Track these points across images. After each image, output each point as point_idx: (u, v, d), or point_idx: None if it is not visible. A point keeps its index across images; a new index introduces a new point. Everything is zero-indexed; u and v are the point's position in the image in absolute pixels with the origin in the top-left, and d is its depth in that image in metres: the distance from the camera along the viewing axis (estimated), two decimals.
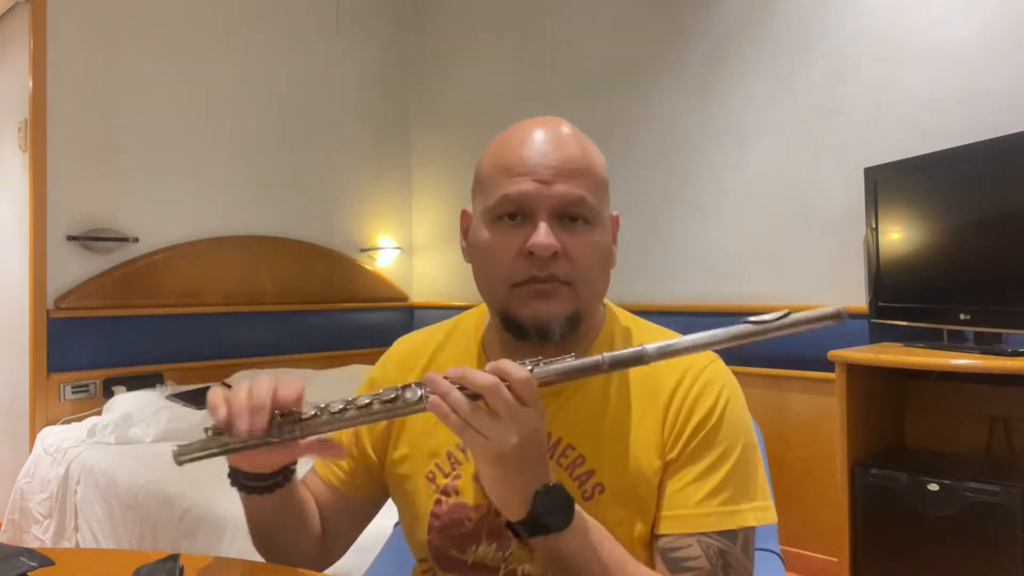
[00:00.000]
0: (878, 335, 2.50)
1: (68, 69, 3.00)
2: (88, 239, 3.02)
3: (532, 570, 0.79)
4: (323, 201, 3.85)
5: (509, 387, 0.66)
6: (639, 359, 0.69)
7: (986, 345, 2.09)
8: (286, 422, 0.71)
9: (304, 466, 0.92)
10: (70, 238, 2.98)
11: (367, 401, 0.71)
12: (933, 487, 1.97)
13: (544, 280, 0.75)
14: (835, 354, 2.20)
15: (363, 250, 4.02)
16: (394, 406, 0.70)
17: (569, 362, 0.69)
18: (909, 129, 2.44)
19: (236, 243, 3.46)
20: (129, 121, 3.16)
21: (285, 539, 0.84)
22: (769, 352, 2.76)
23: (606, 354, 0.69)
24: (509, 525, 0.70)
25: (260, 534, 0.84)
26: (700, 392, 0.79)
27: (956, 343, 2.19)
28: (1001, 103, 2.25)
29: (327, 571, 0.86)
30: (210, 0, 3.43)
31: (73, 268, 2.99)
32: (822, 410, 2.61)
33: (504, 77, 3.77)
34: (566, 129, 0.80)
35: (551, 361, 0.69)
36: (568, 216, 0.77)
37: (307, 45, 3.77)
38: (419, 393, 0.70)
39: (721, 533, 0.75)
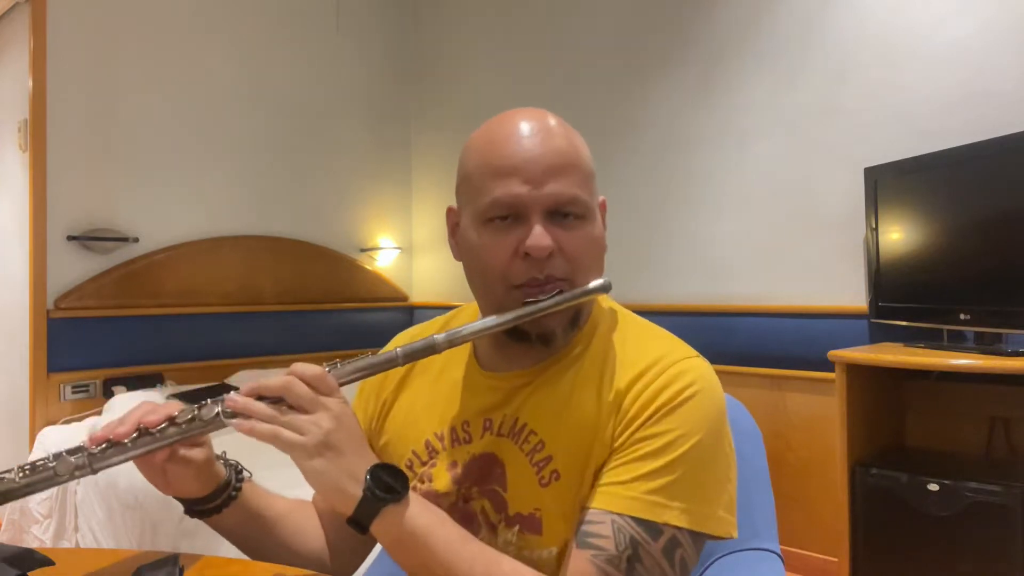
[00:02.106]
0: (878, 335, 2.50)
1: (68, 69, 3.00)
2: (88, 239, 3.02)
3: None
4: (323, 201, 3.85)
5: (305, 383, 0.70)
6: (431, 348, 0.75)
7: (986, 345, 2.09)
8: (78, 459, 0.71)
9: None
10: (70, 238, 2.98)
11: (163, 426, 0.72)
12: (933, 487, 1.97)
13: (544, 282, 0.75)
14: (835, 354, 2.20)
15: (363, 250, 4.02)
16: (191, 427, 0.72)
17: (364, 359, 0.75)
18: (909, 129, 2.44)
19: (236, 243, 3.46)
20: (129, 121, 3.16)
21: (272, 555, 0.84)
22: (769, 352, 2.76)
23: (399, 348, 0.75)
24: (350, 521, 0.68)
25: (247, 553, 0.85)
26: (666, 382, 0.74)
27: (956, 343, 2.19)
28: (1001, 103, 2.25)
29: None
30: (210, 1, 3.43)
31: (73, 268, 2.99)
32: (822, 410, 2.61)
33: (504, 77, 3.77)
34: (552, 121, 0.79)
35: (348, 361, 0.74)
36: (561, 213, 0.76)
37: (307, 45, 3.77)
38: (215, 410, 0.72)
39: (640, 522, 0.69)
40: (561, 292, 0.75)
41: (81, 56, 3.04)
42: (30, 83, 2.92)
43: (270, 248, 3.58)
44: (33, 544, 2.19)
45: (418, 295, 4.24)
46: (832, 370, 2.23)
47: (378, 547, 1.19)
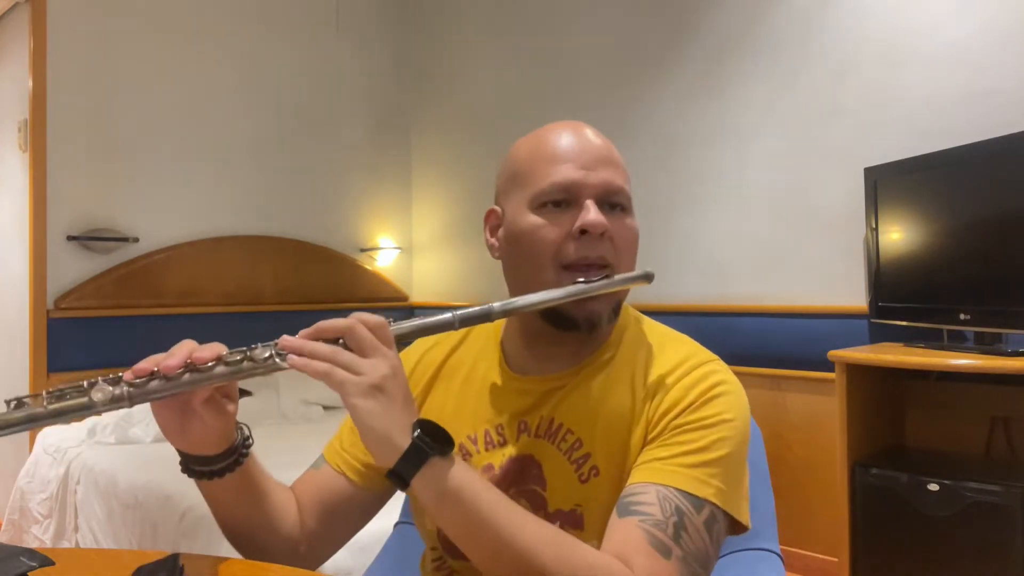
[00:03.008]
0: (878, 335, 2.50)
1: (68, 69, 3.00)
2: (88, 239, 3.02)
3: None
4: (323, 201, 3.85)
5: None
6: (487, 316, 0.74)
7: (986, 345, 2.09)
8: (117, 390, 0.67)
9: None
10: (70, 238, 2.98)
11: (211, 364, 0.69)
12: (933, 487, 1.97)
13: (595, 262, 0.78)
14: (835, 354, 2.20)
15: (363, 250, 4.02)
16: (240, 367, 0.69)
17: (420, 320, 0.74)
18: (909, 129, 2.44)
19: (236, 243, 3.46)
20: (129, 121, 3.16)
21: (250, 530, 0.82)
22: (769, 352, 2.76)
23: (455, 312, 0.74)
24: (390, 473, 0.67)
25: (224, 525, 0.82)
26: (700, 377, 0.78)
27: (956, 343, 2.19)
28: (1001, 103, 2.25)
29: (328, 572, 0.86)
30: (210, 0, 3.43)
31: (73, 268, 2.99)
32: (822, 410, 2.61)
33: (504, 77, 3.77)
34: (591, 129, 0.85)
35: (405, 320, 0.74)
36: (608, 203, 0.81)
37: (307, 45, 3.77)
38: (268, 352, 0.69)
39: (684, 494, 0.71)
40: (608, 277, 0.78)
41: (81, 56, 3.04)
42: (30, 83, 2.93)
43: (270, 248, 3.58)
44: (33, 544, 2.19)
45: (418, 295, 4.24)
46: (832, 370, 2.23)
47: (380, 545, 1.20)
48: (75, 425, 2.85)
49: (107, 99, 3.11)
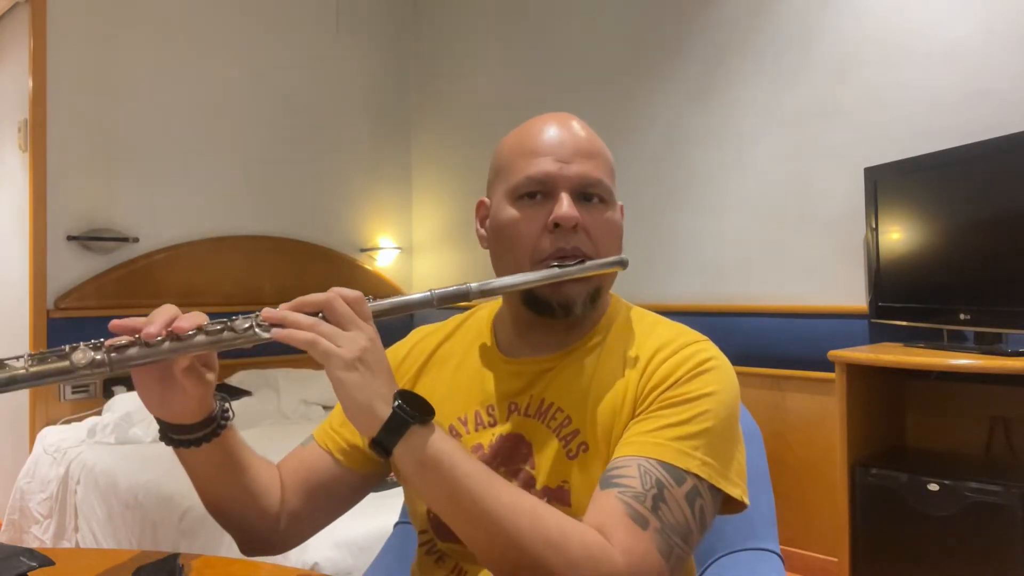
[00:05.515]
0: (878, 335, 2.50)
1: (68, 69, 3.00)
2: (88, 239, 3.02)
3: None
4: (323, 201, 3.85)
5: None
6: (465, 295, 0.77)
7: (986, 345, 2.09)
8: (99, 354, 0.67)
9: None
10: (70, 238, 2.98)
11: (191, 332, 0.69)
12: (933, 487, 1.97)
13: (570, 253, 0.80)
14: (835, 354, 2.20)
15: (363, 250, 4.02)
16: (221, 336, 0.70)
17: (399, 298, 0.76)
18: (909, 129, 2.44)
19: (236, 243, 3.46)
20: (129, 121, 3.16)
21: (230, 502, 0.83)
22: (769, 352, 2.76)
23: (433, 291, 0.77)
24: (372, 443, 0.68)
25: (204, 496, 0.83)
26: (689, 355, 0.79)
27: (956, 343, 2.19)
28: (1001, 103, 2.25)
29: (328, 572, 0.86)
30: (210, 1, 3.43)
31: (73, 268, 2.99)
32: (822, 410, 2.61)
33: (504, 77, 3.77)
34: (577, 122, 0.86)
35: (383, 299, 0.76)
36: (585, 195, 0.82)
37: (307, 45, 3.77)
38: (249, 323, 0.70)
39: (665, 466, 0.71)
40: (584, 261, 0.80)
41: (81, 56, 3.04)
42: (30, 83, 2.93)
43: (270, 248, 3.58)
44: (33, 544, 2.19)
45: None
46: (832, 370, 2.23)
47: (380, 545, 1.20)
48: (75, 425, 2.85)
49: (107, 99, 3.11)
